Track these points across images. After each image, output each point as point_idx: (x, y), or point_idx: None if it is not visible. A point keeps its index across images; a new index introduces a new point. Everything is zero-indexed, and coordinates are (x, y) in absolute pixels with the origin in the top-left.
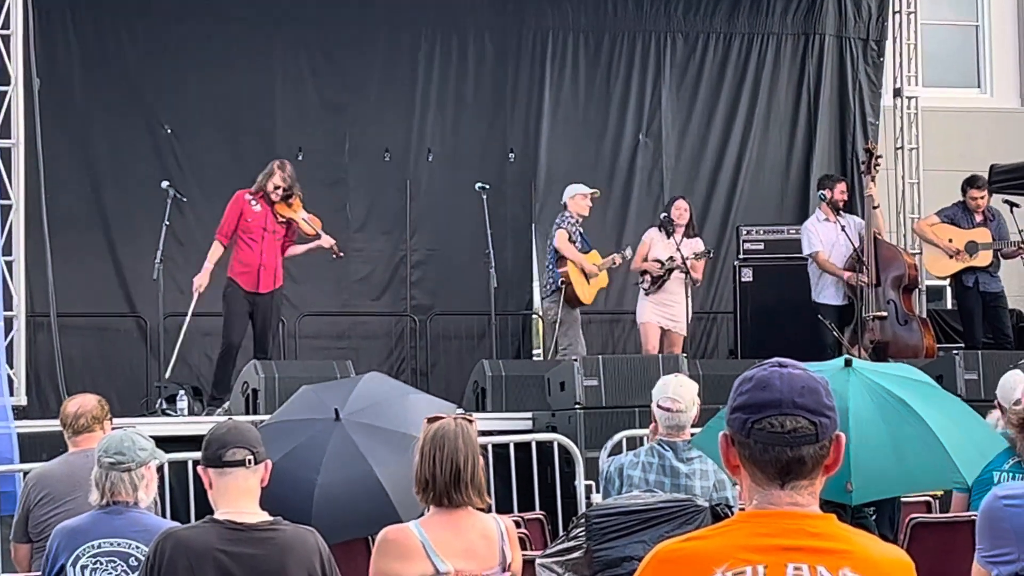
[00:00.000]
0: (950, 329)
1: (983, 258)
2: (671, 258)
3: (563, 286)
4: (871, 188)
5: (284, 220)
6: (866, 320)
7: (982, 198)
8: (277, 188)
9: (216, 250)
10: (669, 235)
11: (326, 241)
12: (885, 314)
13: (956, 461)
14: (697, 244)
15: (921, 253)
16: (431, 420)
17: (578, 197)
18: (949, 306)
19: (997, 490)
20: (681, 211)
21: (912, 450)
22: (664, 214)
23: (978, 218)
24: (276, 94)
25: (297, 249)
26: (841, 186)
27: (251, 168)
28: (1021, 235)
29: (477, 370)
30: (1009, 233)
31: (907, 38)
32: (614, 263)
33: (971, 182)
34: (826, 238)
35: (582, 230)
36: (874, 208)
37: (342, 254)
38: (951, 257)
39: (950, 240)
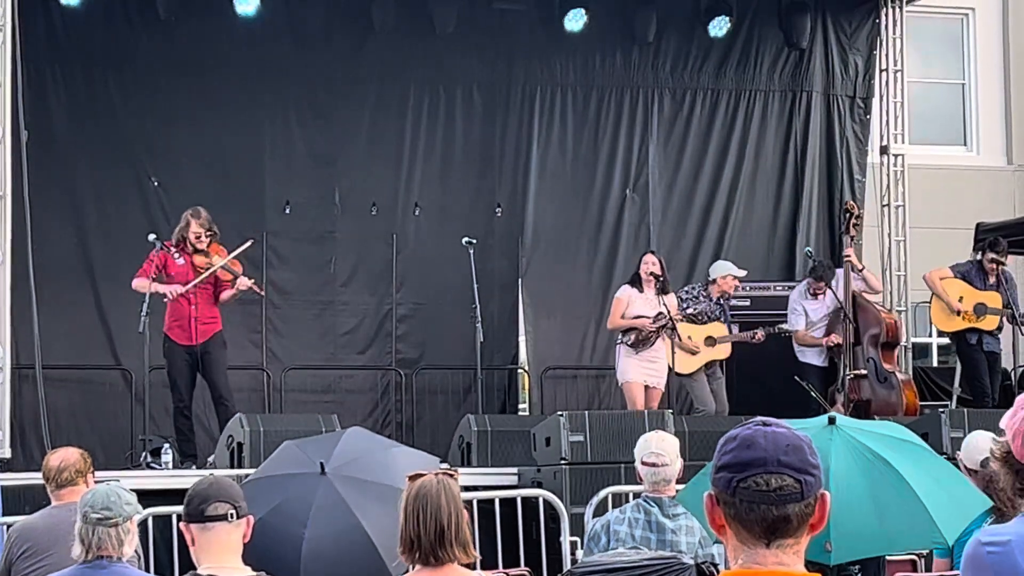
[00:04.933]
0: (936, 387)
1: (990, 322)
2: (660, 314)
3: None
4: (849, 252)
5: (203, 270)
6: (846, 378)
7: (995, 265)
8: (198, 236)
9: (141, 284)
10: (641, 291)
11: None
12: (865, 372)
13: (937, 522)
14: (672, 300)
15: (905, 309)
16: (412, 478)
17: (729, 278)
18: (935, 363)
19: (980, 535)
20: (649, 265)
21: (892, 510)
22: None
23: (992, 280)
24: (264, 147)
25: (227, 294)
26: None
27: (239, 220)
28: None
29: (463, 425)
30: (1019, 300)
31: (894, 96)
32: (754, 338)
33: (991, 246)
34: (813, 314)
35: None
36: (859, 271)
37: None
38: (956, 315)
39: (960, 298)
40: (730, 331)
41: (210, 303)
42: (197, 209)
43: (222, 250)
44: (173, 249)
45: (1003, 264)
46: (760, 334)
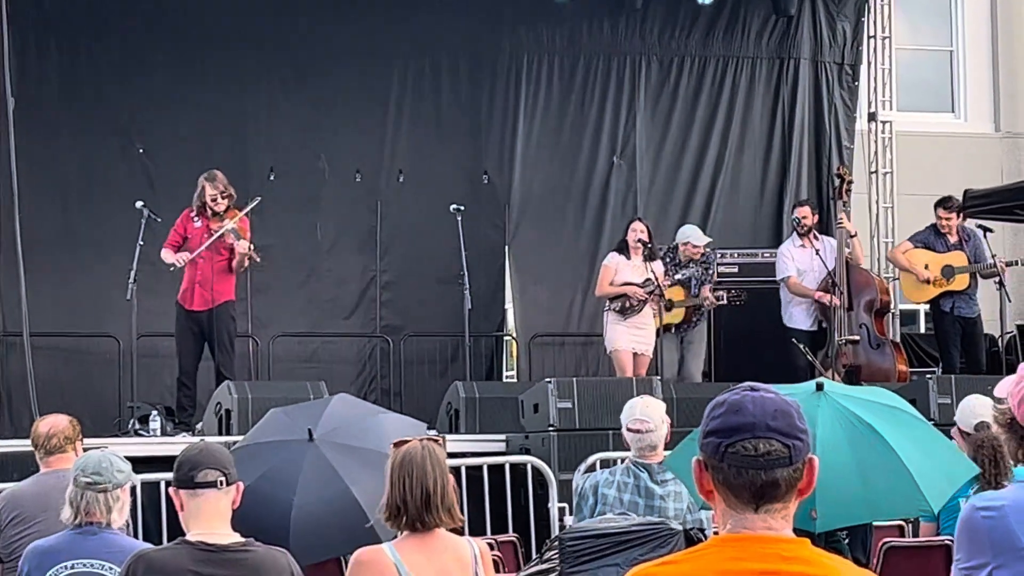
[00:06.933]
0: (923, 353)
1: (960, 282)
2: (648, 280)
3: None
4: (843, 218)
5: (215, 233)
6: (839, 344)
7: (948, 220)
8: (214, 200)
9: (164, 254)
10: (628, 258)
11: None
12: (857, 338)
13: (923, 489)
14: (659, 266)
15: (896, 279)
16: (398, 444)
17: (689, 246)
18: (923, 330)
19: (975, 500)
20: (637, 232)
21: (878, 478)
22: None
23: (952, 239)
24: (248, 114)
25: (235, 263)
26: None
27: None
28: (994, 259)
29: (451, 391)
30: (987, 254)
31: (882, 63)
32: (709, 304)
33: (941, 203)
34: (801, 263)
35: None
36: (851, 237)
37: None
38: (926, 283)
39: (926, 266)
40: (694, 296)
41: (223, 272)
42: (212, 172)
43: (233, 214)
44: (193, 213)
45: (954, 220)
46: (711, 299)
